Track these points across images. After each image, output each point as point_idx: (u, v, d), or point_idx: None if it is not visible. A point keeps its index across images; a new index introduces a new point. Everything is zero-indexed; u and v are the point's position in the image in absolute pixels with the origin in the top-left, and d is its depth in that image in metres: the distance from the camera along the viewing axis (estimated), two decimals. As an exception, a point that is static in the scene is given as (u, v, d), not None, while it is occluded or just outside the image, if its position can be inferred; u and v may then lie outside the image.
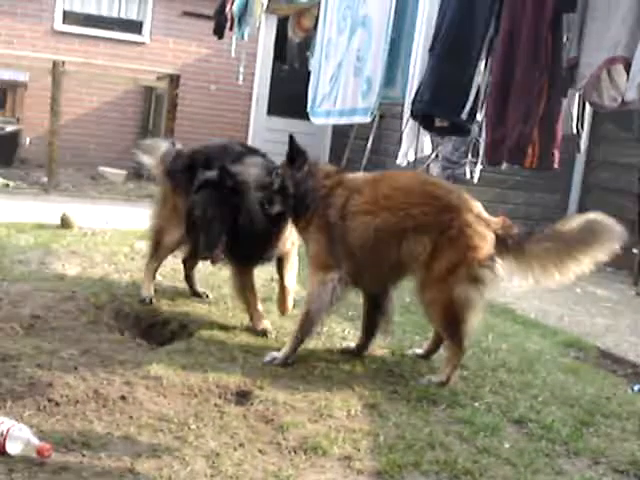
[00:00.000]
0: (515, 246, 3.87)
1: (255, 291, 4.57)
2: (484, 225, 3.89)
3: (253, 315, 4.50)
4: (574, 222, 3.89)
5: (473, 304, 3.88)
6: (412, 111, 4.96)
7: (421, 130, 5.13)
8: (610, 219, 3.83)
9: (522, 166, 4.25)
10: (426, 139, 5.26)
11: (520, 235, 3.91)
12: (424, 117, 4.92)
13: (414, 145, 5.24)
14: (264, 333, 4.39)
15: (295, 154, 4.14)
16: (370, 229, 3.95)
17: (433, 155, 5.21)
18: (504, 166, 4.54)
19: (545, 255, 3.85)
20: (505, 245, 3.87)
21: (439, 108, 4.75)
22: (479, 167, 4.95)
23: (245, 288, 4.53)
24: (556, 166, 4.18)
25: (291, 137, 4.14)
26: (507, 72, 4.20)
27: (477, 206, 3.96)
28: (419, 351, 4.42)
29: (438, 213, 3.90)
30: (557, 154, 4.15)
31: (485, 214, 3.95)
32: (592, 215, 3.87)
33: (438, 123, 4.90)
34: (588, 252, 3.83)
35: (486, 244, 3.85)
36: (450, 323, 3.95)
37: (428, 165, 5.65)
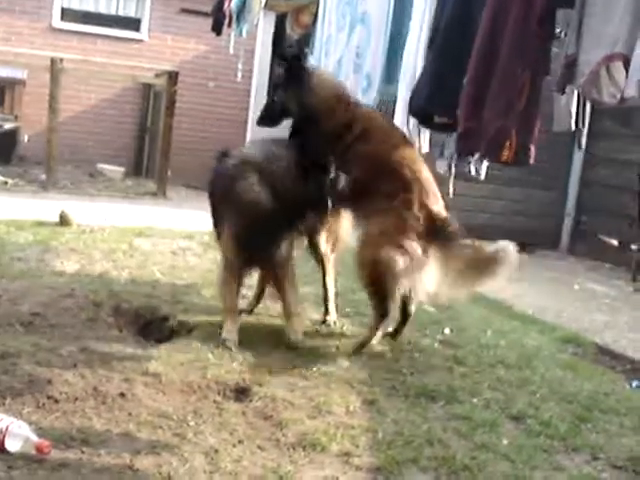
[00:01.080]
0: (442, 242, 4.17)
1: (237, 296, 4.38)
2: (428, 210, 4.21)
3: (225, 320, 4.23)
4: (492, 246, 4.20)
5: (393, 270, 4.10)
6: (410, 108, 4.95)
7: (420, 128, 5.13)
8: (514, 252, 4.12)
9: (497, 161, 4.27)
10: (424, 136, 5.25)
11: (452, 236, 4.20)
12: (423, 114, 4.92)
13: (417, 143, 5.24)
14: (223, 343, 4.05)
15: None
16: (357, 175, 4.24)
17: (438, 152, 5.20)
18: (475, 158, 4.63)
19: (460, 263, 4.17)
20: (434, 236, 4.17)
21: (438, 104, 4.75)
22: (485, 164, 4.95)
23: (228, 287, 4.31)
24: (532, 162, 4.20)
25: (294, 55, 4.53)
26: (487, 65, 4.18)
27: (436, 197, 4.28)
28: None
29: (398, 188, 4.22)
30: (533, 150, 4.16)
31: (437, 205, 4.26)
32: (502, 244, 4.16)
33: (437, 120, 4.89)
34: (487, 279, 4.21)
35: (417, 224, 4.16)
36: (369, 284, 4.23)
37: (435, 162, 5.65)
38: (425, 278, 4.21)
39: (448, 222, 4.26)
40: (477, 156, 4.58)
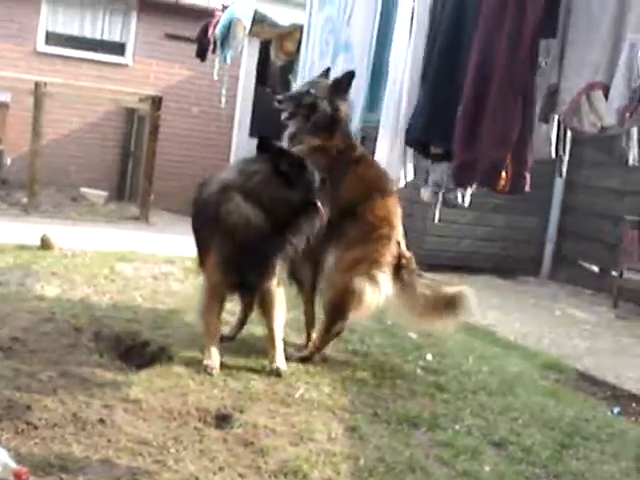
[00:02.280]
0: (407, 278, 4.45)
1: (219, 321, 4.33)
2: (398, 248, 4.47)
3: (206, 346, 4.16)
4: (451, 289, 4.55)
5: (362, 298, 4.30)
6: (407, 138, 5.01)
7: (407, 156, 5.18)
8: (471, 299, 4.47)
9: (494, 190, 4.34)
10: (409, 165, 5.29)
11: (414, 273, 4.51)
12: (419, 144, 4.96)
13: (401, 171, 5.27)
14: (205, 369, 4.01)
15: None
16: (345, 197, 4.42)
17: (423, 179, 5.25)
18: (473, 189, 4.73)
19: (421, 302, 4.45)
20: (400, 273, 4.44)
21: (433, 135, 4.81)
22: (469, 192, 5.01)
23: (210, 313, 4.26)
24: (527, 189, 4.26)
25: (351, 72, 4.81)
26: (480, 95, 4.24)
27: (403, 236, 4.55)
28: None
29: (379, 221, 4.44)
30: (528, 177, 4.22)
31: (403, 244, 4.53)
32: (465, 290, 4.51)
33: (433, 150, 4.95)
34: (446, 318, 4.53)
35: (391, 259, 4.40)
36: (334, 307, 4.39)
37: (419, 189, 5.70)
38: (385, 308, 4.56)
39: (412, 261, 4.52)
40: (474, 186, 4.66)
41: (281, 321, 4.31)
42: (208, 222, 4.18)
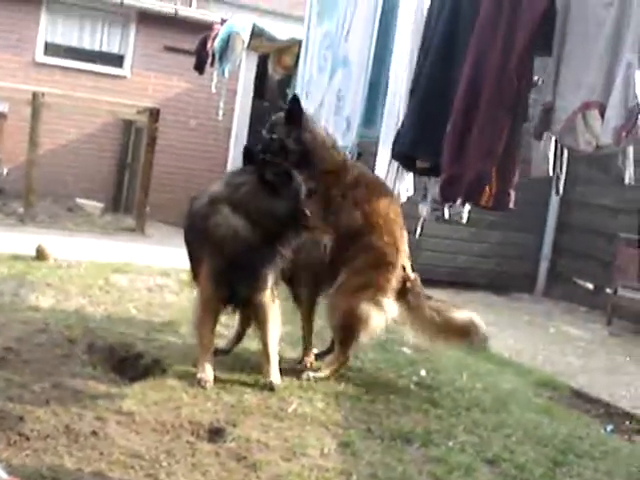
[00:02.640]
0: (413, 300, 4.51)
1: (213, 334, 4.31)
2: (403, 272, 4.52)
3: (199, 359, 4.16)
4: (462, 316, 4.59)
5: (368, 323, 4.39)
6: (393, 152, 5.01)
7: (402, 174, 5.20)
8: (482, 326, 4.59)
9: (477, 205, 4.36)
10: (409, 179, 5.31)
11: (421, 295, 4.56)
12: (405, 158, 4.97)
13: (403, 186, 5.29)
14: (199, 382, 4.01)
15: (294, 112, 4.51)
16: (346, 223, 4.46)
17: (421, 195, 5.26)
18: (458, 204, 4.75)
19: (428, 322, 4.52)
20: (406, 295, 4.51)
21: (420, 149, 4.82)
22: (467, 208, 5.04)
23: (204, 326, 4.25)
24: (511, 206, 4.28)
25: (294, 96, 4.79)
26: (469, 110, 4.26)
27: (408, 258, 4.60)
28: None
29: (386, 245, 4.47)
30: (512, 194, 4.24)
31: (408, 267, 4.59)
32: (474, 318, 4.59)
33: (419, 164, 4.96)
34: (455, 340, 4.69)
35: (396, 284, 4.46)
36: (344, 331, 4.46)
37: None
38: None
39: (417, 283, 4.58)
40: (459, 202, 4.66)
41: (276, 335, 4.29)
42: (198, 235, 4.19)
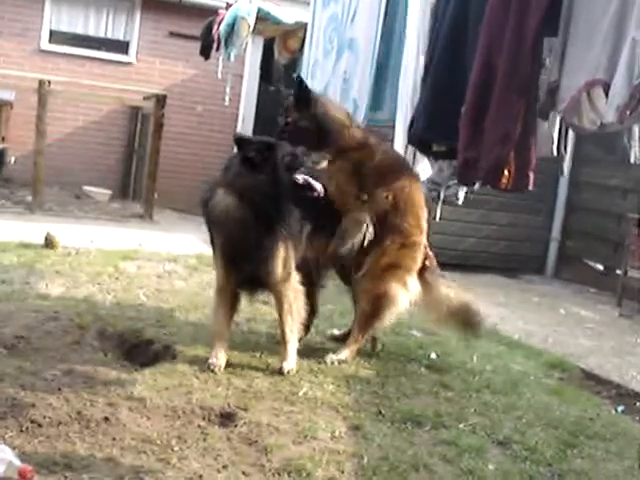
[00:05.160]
0: (429, 279, 4.61)
1: (226, 320, 4.28)
2: (424, 252, 4.62)
3: (213, 344, 4.18)
4: (463, 297, 4.73)
5: (397, 304, 4.48)
6: (409, 137, 5.00)
7: (417, 155, 5.19)
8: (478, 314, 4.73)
9: (496, 188, 4.34)
10: (425, 161, 5.29)
11: (436, 273, 4.68)
12: (421, 142, 4.95)
13: (419, 167, 5.27)
14: (209, 367, 4.03)
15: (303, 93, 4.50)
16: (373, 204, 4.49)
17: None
18: (477, 187, 4.74)
19: (440, 302, 4.62)
20: (423, 273, 4.60)
21: (435, 133, 4.80)
22: (464, 189, 5.02)
23: (217, 310, 4.27)
24: (530, 187, 4.27)
25: (299, 77, 4.78)
26: (483, 94, 4.23)
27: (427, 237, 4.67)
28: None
29: (412, 227, 4.54)
30: (532, 176, 4.22)
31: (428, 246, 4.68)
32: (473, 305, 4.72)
33: (435, 148, 4.94)
34: (459, 324, 4.72)
35: (419, 264, 4.57)
36: (369, 312, 4.49)
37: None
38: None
39: (433, 261, 4.67)
40: (477, 184, 4.67)
41: (293, 321, 4.25)
42: (207, 221, 4.23)
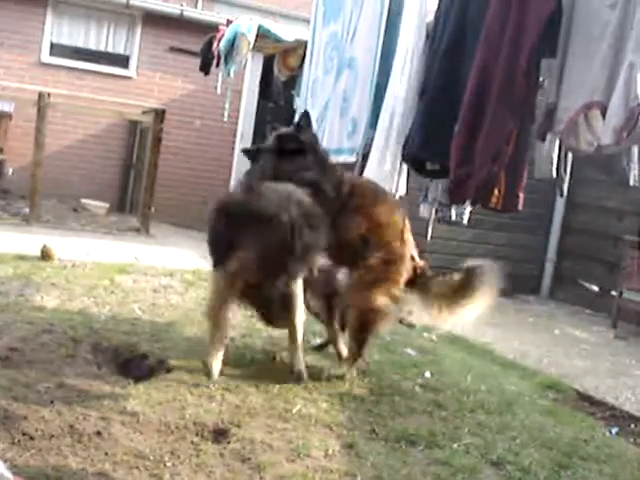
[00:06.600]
0: (422, 284, 4.54)
1: (226, 322, 4.16)
2: (412, 261, 4.54)
3: (209, 347, 4.05)
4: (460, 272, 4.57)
5: (385, 316, 4.44)
6: (403, 155, 5.01)
7: (398, 171, 5.20)
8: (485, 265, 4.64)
9: (487, 207, 4.35)
10: (401, 180, 5.31)
11: (428, 276, 4.59)
12: (415, 160, 4.97)
13: (392, 185, 5.28)
14: (206, 373, 3.99)
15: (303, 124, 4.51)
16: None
17: (422, 196, 5.26)
18: (467, 206, 4.74)
19: (440, 297, 4.50)
20: (416, 281, 4.54)
21: (430, 151, 4.81)
22: (468, 209, 5.03)
23: (218, 311, 4.11)
24: (520, 208, 4.28)
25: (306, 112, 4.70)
26: (477, 113, 4.26)
27: (412, 246, 4.59)
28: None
29: (394, 241, 4.48)
30: (522, 196, 4.24)
31: (415, 254, 4.60)
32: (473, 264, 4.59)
33: (429, 166, 4.96)
34: (470, 295, 4.47)
35: (407, 275, 4.49)
36: (363, 327, 4.45)
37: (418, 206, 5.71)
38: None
39: (426, 269, 4.61)
40: (467, 203, 4.66)
41: (298, 325, 4.35)
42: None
